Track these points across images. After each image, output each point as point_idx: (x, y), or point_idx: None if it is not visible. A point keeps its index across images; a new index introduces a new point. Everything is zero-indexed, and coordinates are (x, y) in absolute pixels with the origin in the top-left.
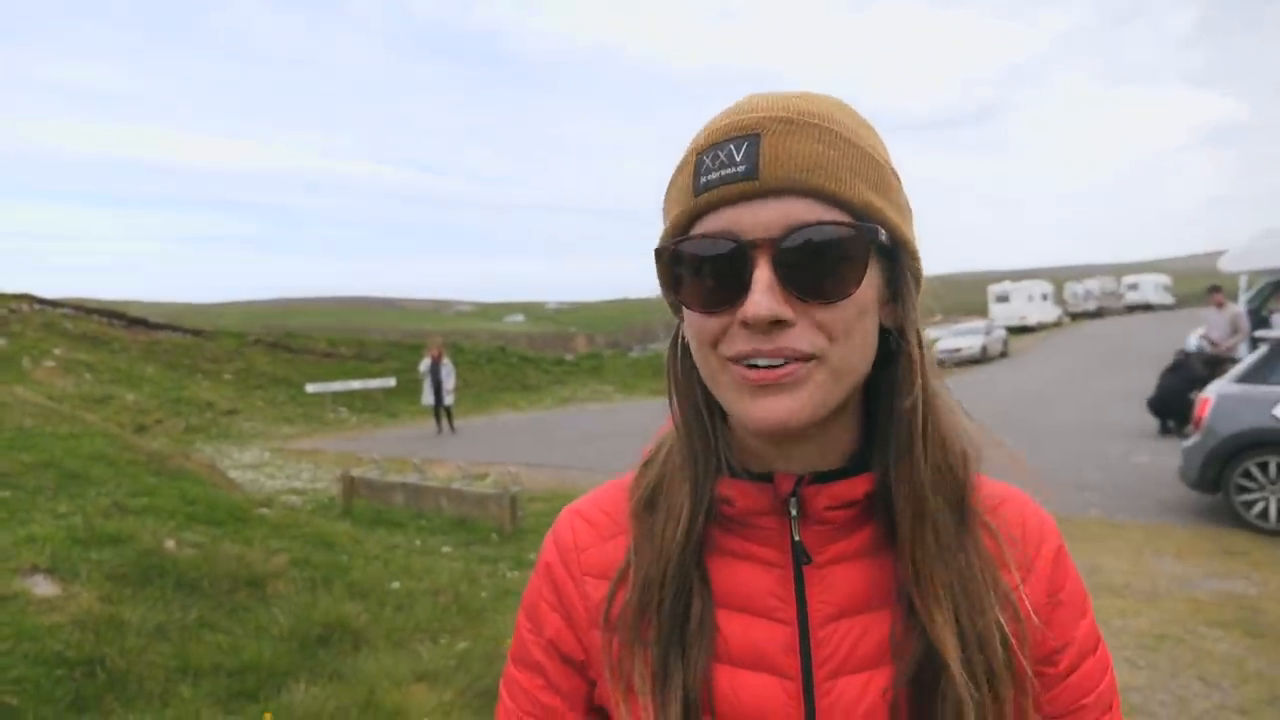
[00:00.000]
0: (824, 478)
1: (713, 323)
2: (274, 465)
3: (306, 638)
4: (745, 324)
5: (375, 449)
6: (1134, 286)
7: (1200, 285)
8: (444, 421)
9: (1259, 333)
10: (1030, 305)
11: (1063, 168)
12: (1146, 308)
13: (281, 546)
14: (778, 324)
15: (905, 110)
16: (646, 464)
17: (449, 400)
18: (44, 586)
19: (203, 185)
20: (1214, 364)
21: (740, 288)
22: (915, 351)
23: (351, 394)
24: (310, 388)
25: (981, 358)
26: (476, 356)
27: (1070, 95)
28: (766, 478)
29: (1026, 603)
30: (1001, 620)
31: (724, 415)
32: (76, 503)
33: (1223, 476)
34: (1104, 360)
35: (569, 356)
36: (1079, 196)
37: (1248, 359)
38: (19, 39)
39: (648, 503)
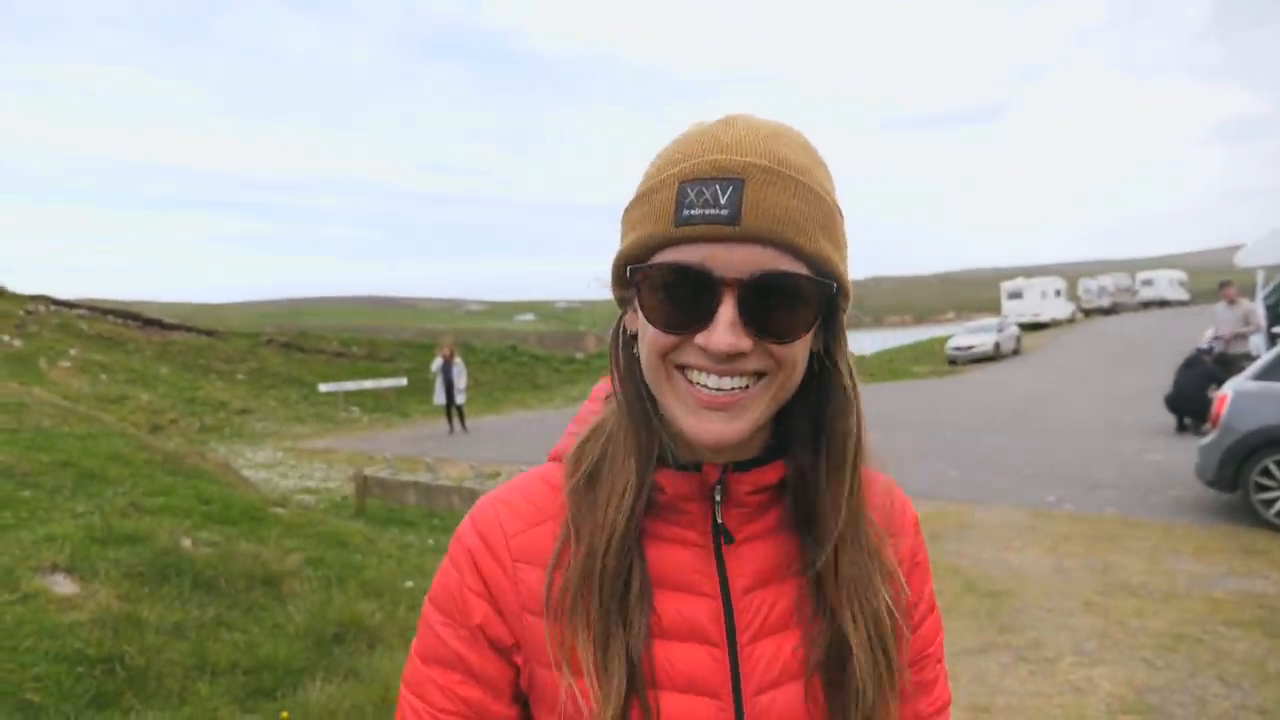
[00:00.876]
0: (742, 466)
1: (671, 339)
2: (287, 465)
3: (322, 636)
4: (704, 351)
5: (388, 448)
6: (1149, 282)
7: (1216, 281)
8: (456, 421)
9: (1278, 329)
10: (1043, 302)
11: (1076, 162)
12: (1162, 304)
13: (296, 546)
14: (736, 354)
15: (917, 105)
16: (585, 443)
17: (461, 400)
18: (63, 585)
19: (215, 186)
20: (1227, 361)
21: (704, 317)
22: (847, 381)
23: (364, 393)
24: (323, 387)
25: (994, 355)
26: (488, 356)
27: (1084, 90)
28: (693, 467)
29: (900, 571)
30: (888, 592)
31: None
32: (94, 502)
33: (1241, 474)
34: (1118, 357)
35: (579, 355)
36: (1093, 191)
37: (1266, 355)
38: (36, 41)
39: (589, 480)
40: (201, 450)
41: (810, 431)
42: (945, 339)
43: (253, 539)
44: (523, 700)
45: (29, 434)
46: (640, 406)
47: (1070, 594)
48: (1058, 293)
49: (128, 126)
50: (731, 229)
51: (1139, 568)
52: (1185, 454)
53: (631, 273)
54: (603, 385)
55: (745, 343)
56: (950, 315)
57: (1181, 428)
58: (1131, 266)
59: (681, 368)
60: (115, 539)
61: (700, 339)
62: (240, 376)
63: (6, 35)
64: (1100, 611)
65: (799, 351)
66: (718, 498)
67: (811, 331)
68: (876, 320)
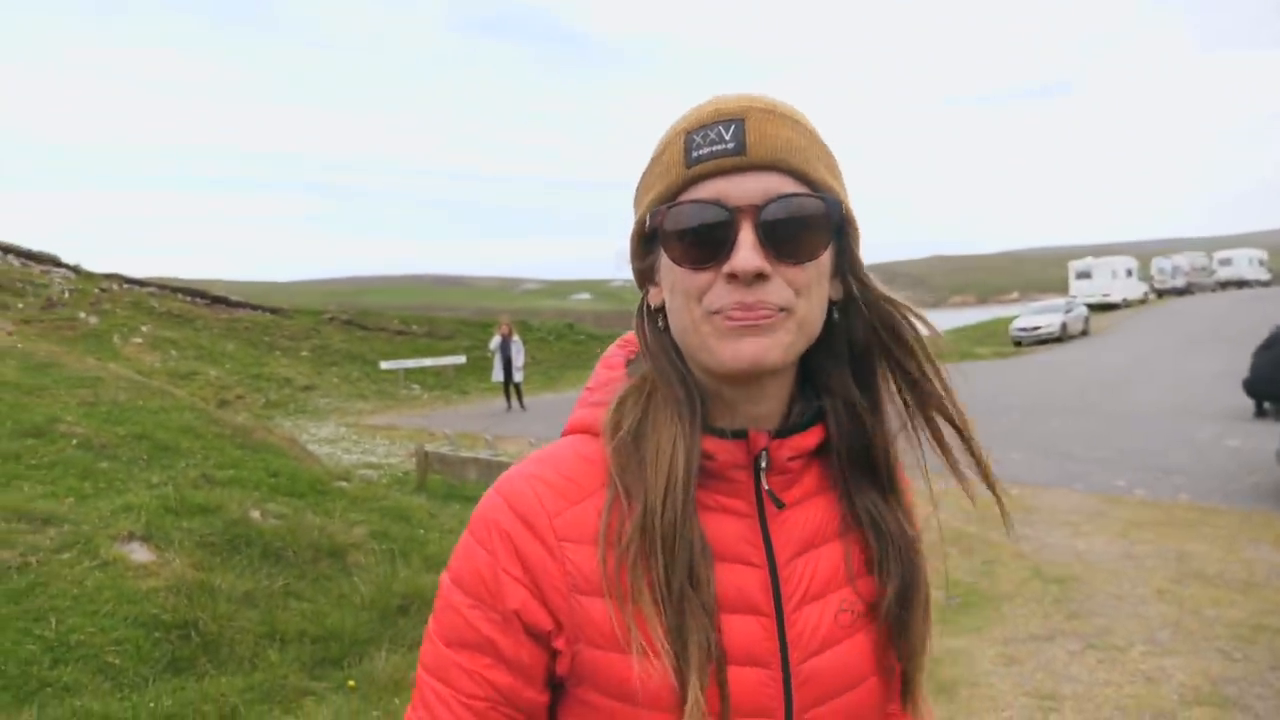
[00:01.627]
0: (783, 433)
1: (700, 278)
2: (349, 440)
3: (386, 608)
4: (733, 275)
5: (447, 425)
6: (1226, 262)
7: None
8: (514, 398)
9: None
10: (1114, 282)
11: (1150, 137)
12: (1240, 284)
13: (360, 519)
14: (758, 277)
15: (981, 80)
16: (623, 402)
17: (519, 377)
18: (140, 553)
19: (278, 167)
20: None
21: (726, 246)
22: (884, 305)
23: (423, 371)
24: (384, 364)
25: (1061, 336)
26: (545, 334)
27: (1158, 61)
28: (740, 435)
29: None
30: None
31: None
32: (168, 473)
33: None
34: (1193, 339)
35: None
36: (1167, 167)
37: None
38: (105, 26)
39: (631, 441)
40: (268, 425)
41: (857, 376)
42: (1009, 320)
43: (319, 512)
44: (554, 685)
45: (106, 407)
46: (677, 369)
47: (1141, 581)
48: (1129, 272)
49: (192, 110)
50: (739, 159)
51: (1215, 556)
52: (1265, 439)
53: (652, 219)
54: (614, 353)
55: (765, 265)
56: (1015, 295)
57: (1260, 412)
58: (1208, 245)
59: (715, 313)
60: (188, 509)
61: (726, 267)
62: (304, 353)
63: (78, 21)
64: (1173, 600)
65: (814, 281)
66: (763, 464)
67: (827, 258)
68: (938, 300)
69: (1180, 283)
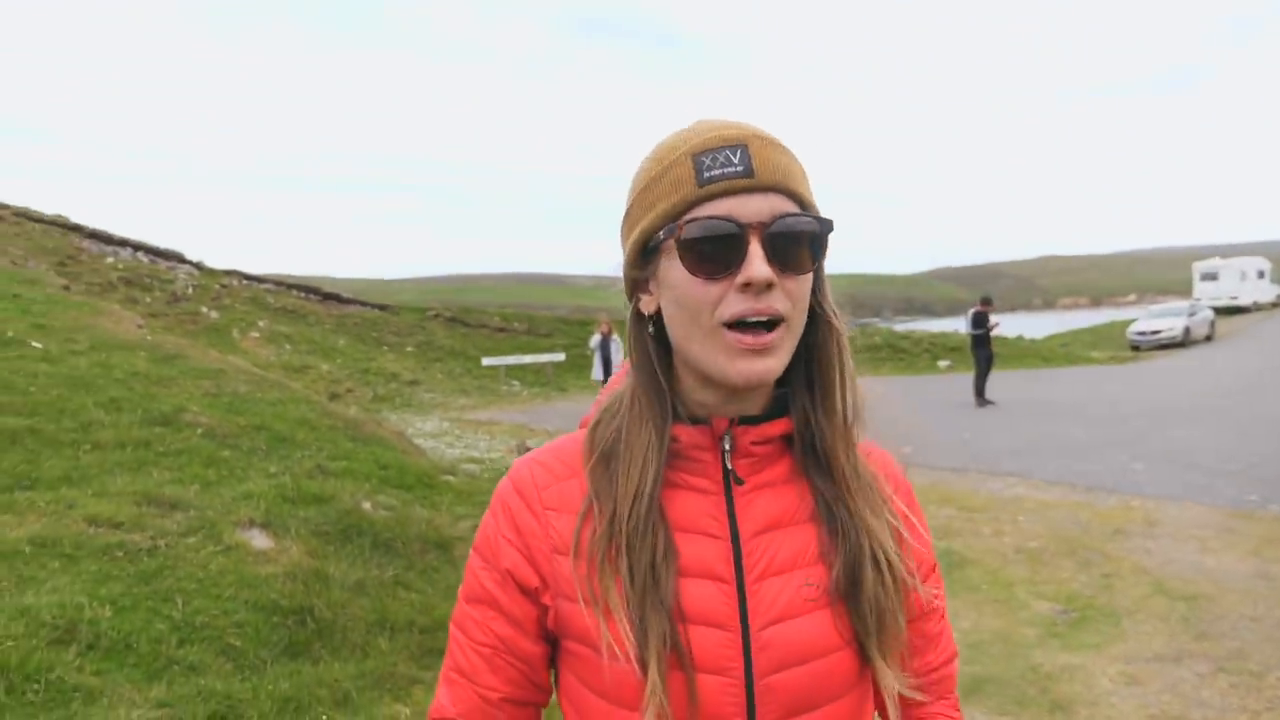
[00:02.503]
0: (750, 421)
1: (714, 289)
2: (453, 435)
3: None
4: (746, 285)
5: (547, 422)
6: None
7: None
8: None
9: None
10: (1243, 284)
11: None
12: None
13: (465, 512)
14: (767, 286)
15: (1097, 72)
16: (598, 423)
17: (602, 377)
18: (260, 540)
19: (384, 168)
20: None
21: (739, 259)
22: (835, 322)
23: (523, 368)
24: (486, 361)
25: (1184, 341)
26: None
27: None
28: (704, 423)
29: (904, 522)
30: (893, 529)
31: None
32: (285, 463)
33: None
34: None
35: None
36: None
37: None
38: (223, 32)
39: (606, 454)
40: (377, 418)
41: (808, 378)
42: (1126, 323)
43: (426, 504)
44: (550, 640)
45: (228, 398)
46: (653, 379)
47: (1278, 603)
48: (1260, 274)
49: (304, 113)
50: (748, 181)
51: None
52: None
53: (665, 235)
54: (626, 367)
55: (774, 275)
56: (1132, 298)
57: None
58: None
59: (729, 326)
60: (304, 499)
61: (741, 277)
62: (409, 349)
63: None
64: None
65: (805, 292)
66: (726, 446)
67: (812, 274)
68: (1047, 303)
69: None
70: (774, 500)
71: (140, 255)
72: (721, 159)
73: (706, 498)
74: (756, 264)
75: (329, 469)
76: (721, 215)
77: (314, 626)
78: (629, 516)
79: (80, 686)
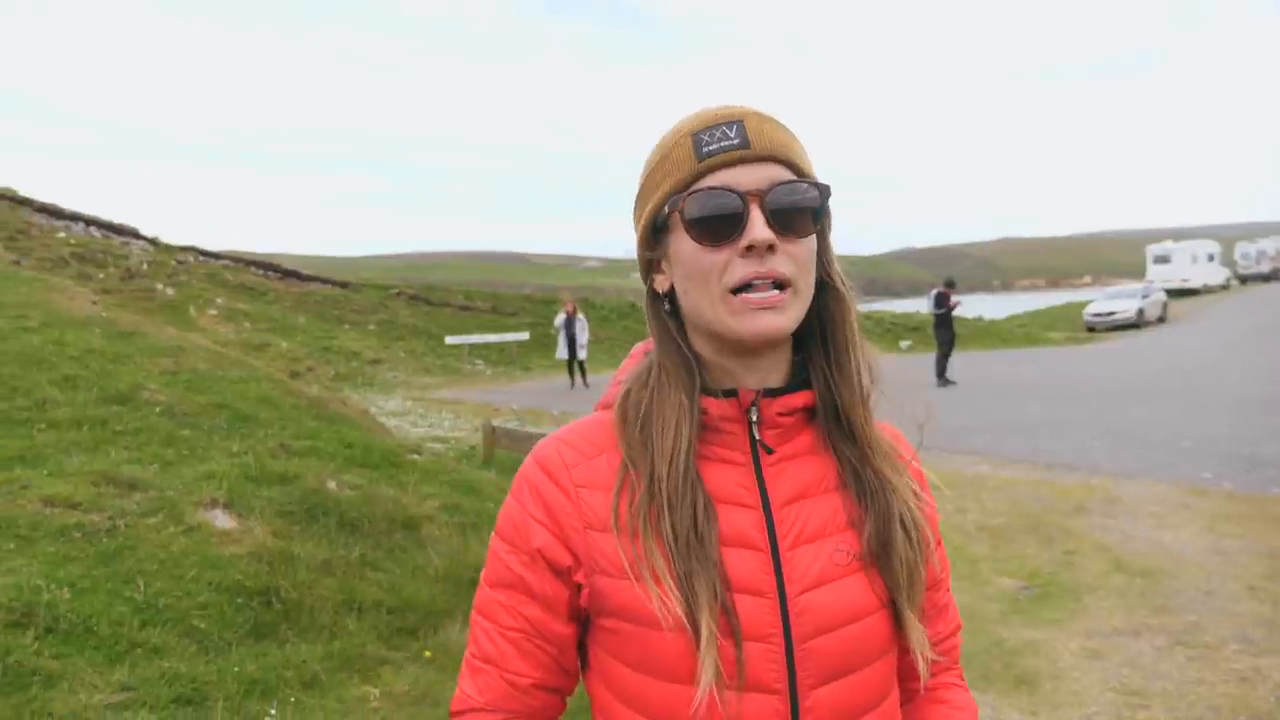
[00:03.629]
0: (773, 393)
1: (719, 256)
2: (416, 414)
3: (460, 580)
4: (749, 249)
5: (512, 401)
6: None
7: None
8: (578, 375)
9: None
10: (1194, 267)
11: (1237, 115)
12: None
13: (432, 492)
14: (770, 249)
15: (1050, 54)
16: (629, 392)
17: (583, 355)
18: (223, 520)
19: (347, 145)
20: None
21: (740, 225)
22: (843, 289)
23: (488, 347)
24: (449, 339)
25: (1138, 322)
26: (608, 312)
27: (1245, 36)
28: (731, 394)
29: (922, 486)
30: (913, 492)
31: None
32: (247, 442)
33: None
34: (1278, 327)
35: None
36: (1254, 148)
37: None
38: (183, 11)
39: (640, 420)
40: (341, 397)
41: (823, 346)
42: (1083, 304)
43: (392, 483)
44: (580, 620)
45: (187, 376)
46: (678, 349)
47: (1232, 577)
48: (1210, 257)
49: (263, 89)
50: (745, 152)
51: None
52: None
53: (670, 207)
54: (640, 346)
55: (776, 238)
56: (1087, 280)
57: None
58: None
59: (735, 292)
60: (267, 478)
61: (744, 240)
62: (371, 327)
63: (159, 5)
64: (1267, 598)
65: (808, 257)
66: (754, 417)
67: (814, 241)
68: (1005, 284)
69: (1265, 268)
70: (802, 469)
71: (93, 230)
72: (719, 134)
73: (737, 469)
74: (757, 228)
75: (293, 448)
76: (721, 185)
77: (280, 607)
78: (668, 477)
79: (39, 670)
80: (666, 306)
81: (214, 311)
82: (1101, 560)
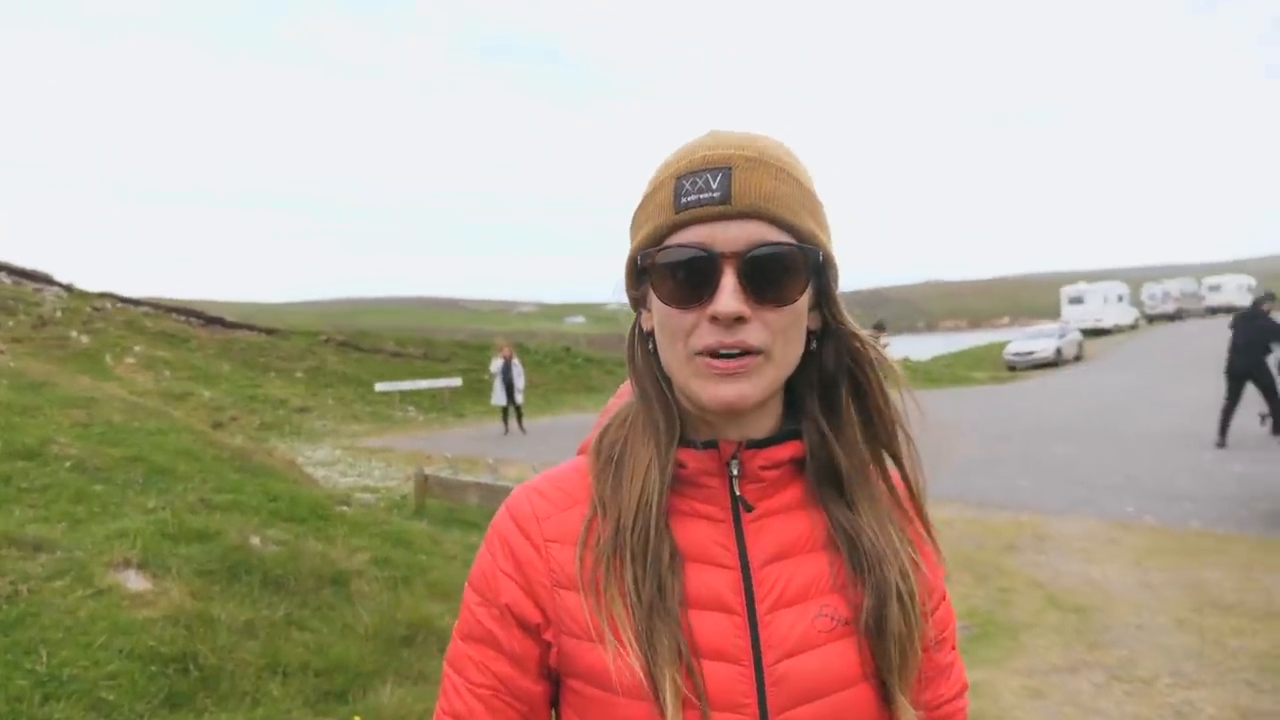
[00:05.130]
0: (758, 444)
1: (686, 318)
2: (345, 463)
3: (391, 637)
4: (714, 319)
5: (445, 448)
6: (1216, 288)
7: None
8: (514, 421)
9: None
10: (1105, 307)
11: (1143, 163)
12: (1229, 310)
13: (362, 545)
14: (738, 320)
15: (963, 103)
16: (607, 429)
17: (520, 399)
18: (136, 581)
19: (276, 185)
20: None
21: (710, 289)
22: (858, 342)
23: (419, 393)
24: (379, 386)
25: (1056, 361)
26: (542, 357)
27: (1150, 87)
28: (711, 445)
29: (922, 545)
30: (911, 560)
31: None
32: (165, 498)
33: None
34: (1187, 365)
35: None
36: (1157, 194)
37: None
38: (98, 42)
39: (612, 463)
40: (266, 448)
41: (824, 400)
42: (1003, 344)
43: (320, 537)
44: (552, 678)
45: (100, 428)
46: (659, 391)
47: (1160, 610)
48: (1120, 298)
49: (188, 126)
50: (724, 208)
51: (1232, 584)
52: (1271, 465)
53: (642, 260)
54: (626, 384)
55: (745, 309)
56: (1006, 320)
57: (1222, 443)
58: (1199, 271)
59: (699, 354)
60: (186, 535)
61: (709, 309)
62: (299, 375)
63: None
64: (1194, 630)
65: (792, 323)
66: (734, 471)
67: (804, 300)
68: (930, 325)
69: (1170, 308)
70: (785, 526)
71: (3, 276)
72: (701, 183)
73: (715, 525)
74: (724, 297)
75: (213, 502)
76: (694, 243)
77: (197, 674)
78: (634, 526)
79: None
80: (651, 346)
81: (132, 360)
82: (1035, 597)
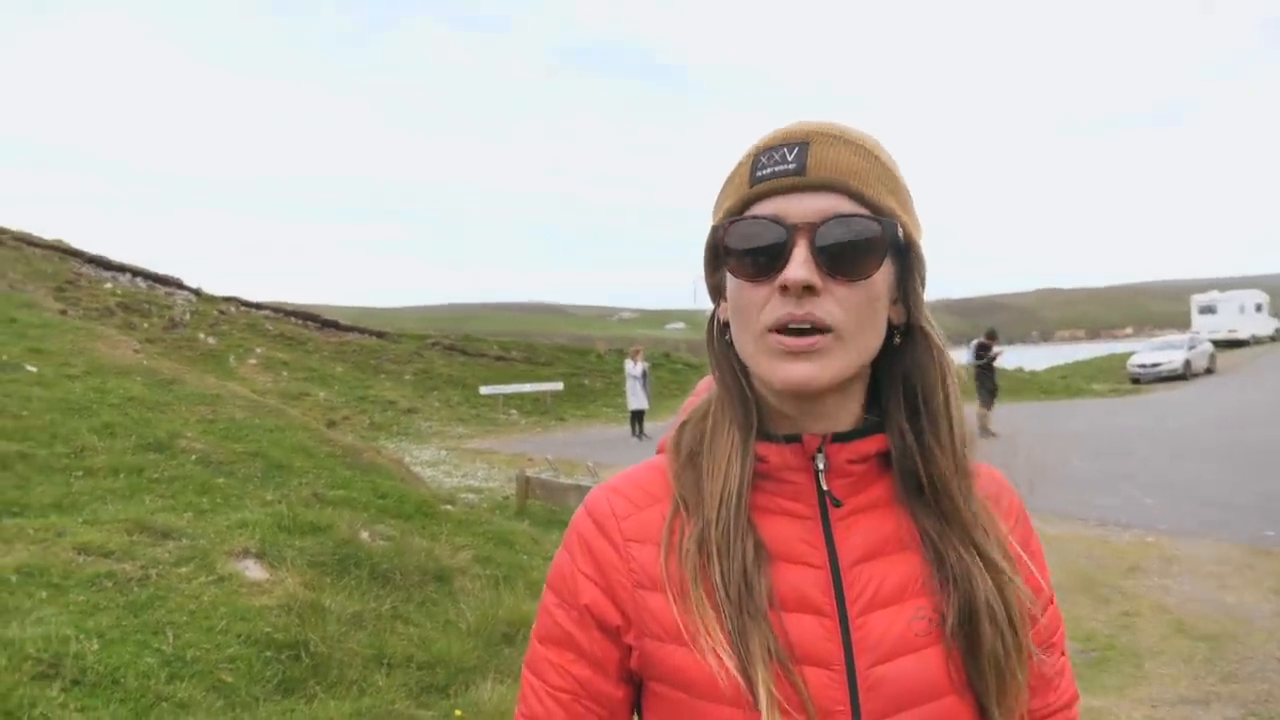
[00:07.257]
0: (842, 438)
1: (758, 293)
2: (450, 464)
3: (492, 635)
4: (784, 289)
5: (546, 450)
6: None
7: None
8: (636, 424)
9: None
10: (1241, 317)
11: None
12: None
13: (465, 543)
14: (808, 290)
15: (1092, 108)
16: (686, 424)
17: (647, 405)
18: (254, 570)
19: (385, 197)
20: None
21: (782, 261)
22: (934, 335)
23: (522, 397)
24: (484, 389)
25: (1184, 374)
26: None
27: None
28: (794, 439)
29: (1016, 547)
30: (1009, 569)
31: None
32: (281, 491)
33: None
34: None
35: None
36: None
37: None
38: (227, 63)
39: (690, 458)
40: (375, 446)
41: (906, 402)
42: (1125, 356)
43: (425, 534)
44: (634, 682)
45: (223, 425)
46: (736, 383)
47: None
48: (1259, 307)
49: (305, 141)
50: (798, 179)
51: None
52: None
53: (717, 234)
54: (705, 382)
55: (815, 279)
56: (1129, 330)
57: None
58: None
59: (772, 330)
60: (300, 528)
61: (779, 279)
62: (408, 377)
63: (204, 58)
64: None
65: (865, 303)
66: (820, 465)
67: (882, 280)
68: (1045, 335)
69: None
70: (876, 524)
71: (139, 281)
72: (777, 156)
73: (801, 523)
74: (794, 266)
75: (326, 497)
76: (767, 215)
77: (309, 662)
78: (717, 522)
79: None
80: (727, 337)
81: (254, 361)
82: (1162, 623)
